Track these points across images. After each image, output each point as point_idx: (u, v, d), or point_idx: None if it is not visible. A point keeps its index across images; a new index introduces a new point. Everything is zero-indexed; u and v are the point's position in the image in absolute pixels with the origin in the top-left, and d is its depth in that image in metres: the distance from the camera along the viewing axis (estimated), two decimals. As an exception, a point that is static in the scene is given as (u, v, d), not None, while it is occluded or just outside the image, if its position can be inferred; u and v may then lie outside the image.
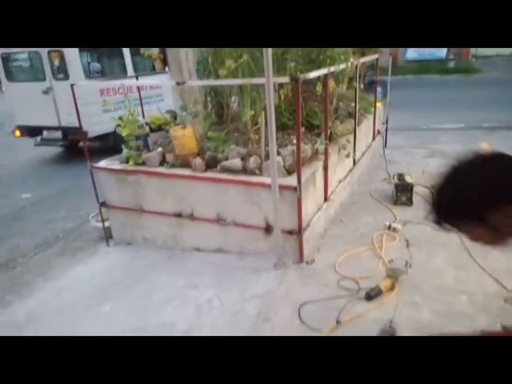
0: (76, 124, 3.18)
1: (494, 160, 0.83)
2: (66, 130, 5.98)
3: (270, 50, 2.13)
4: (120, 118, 3.19)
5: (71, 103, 3.13)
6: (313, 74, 2.52)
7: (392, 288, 2.29)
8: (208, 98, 3.44)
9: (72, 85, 2.98)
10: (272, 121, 2.23)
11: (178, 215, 2.97)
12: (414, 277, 2.42)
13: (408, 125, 6.74)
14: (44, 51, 5.83)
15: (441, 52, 15.84)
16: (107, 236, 3.37)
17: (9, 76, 6.33)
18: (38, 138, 6.41)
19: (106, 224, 3.34)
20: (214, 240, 2.93)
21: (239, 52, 2.71)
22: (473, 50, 15.56)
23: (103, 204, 3.26)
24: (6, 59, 6.25)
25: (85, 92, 5.07)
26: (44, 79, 5.95)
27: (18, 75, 6.54)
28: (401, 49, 16.50)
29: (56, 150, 6.98)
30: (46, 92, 5.96)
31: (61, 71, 5.80)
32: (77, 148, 6.55)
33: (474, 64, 14.90)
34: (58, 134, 6.15)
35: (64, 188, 5.19)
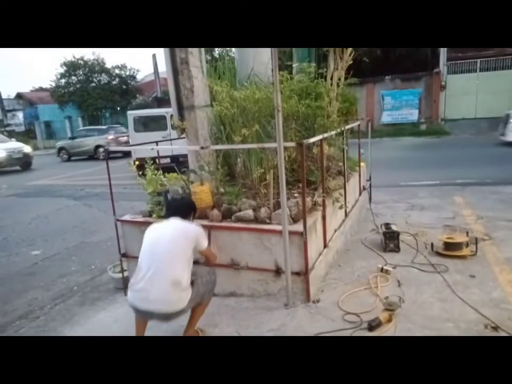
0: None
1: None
2: (174, 157, 8.91)
3: (281, 120, 2.67)
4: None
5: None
6: (313, 140, 3.09)
7: (390, 319, 2.64)
8: (220, 160, 3.96)
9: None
10: (283, 177, 2.72)
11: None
12: (406, 310, 2.79)
13: (389, 182, 7.40)
14: (168, 113, 10.77)
15: (414, 116, 17.42)
16: (125, 285, 3.65)
17: (135, 128, 11.45)
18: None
19: (126, 274, 3.63)
20: (228, 285, 3.26)
21: (251, 123, 3.27)
22: (441, 114, 17.11)
23: (124, 255, 3.59)
24: (136, 119, 11.63)
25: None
26: (166, 130, 10.99)
27: (143, 128, 11.60)
28: (377, 114, 18.04)
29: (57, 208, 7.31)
30: (164, 137, 10.13)
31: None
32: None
33: (444, 126, 16.36)
34: (167, 160, 8.84)
35: (71, 245, 5.45)
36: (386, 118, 17.93)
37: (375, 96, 17.96)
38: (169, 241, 2.45)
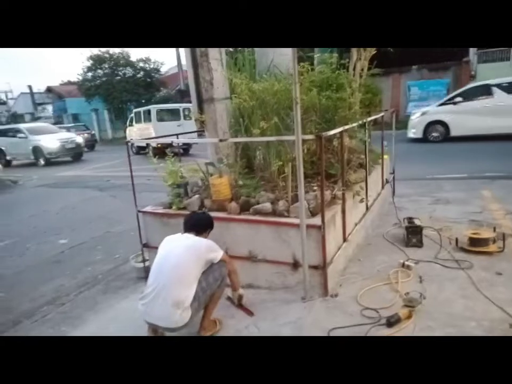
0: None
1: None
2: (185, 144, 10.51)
3: (299, 113, 2.63)
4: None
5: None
6: (332, 132, 3.03)
7: (409, 316, 2.59)
8: (238, 152, 3.96)
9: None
10: (301, 170, 2.70)
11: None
12: (427, 307, 2.73)
13: (414, 175, 7.22)
14: (181, 107, 15.36)
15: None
16: (146, 274, 3.72)
17: (158, 119, 14.88)
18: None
19: (147, 264, 3.71)
20: (246, 277, 3.27)
21: (270, 115, 3.25)
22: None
23: (145, 245, 3.67)
24: (158, 111, 15.18)
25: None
26: (179, 119, 15.01)
27: (162, 118, 15.19)
28: (403, 105, 17.54)
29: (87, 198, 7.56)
30: (179, 126, 14.25)
31: (187, 116, 14.79)
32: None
33: (473, 118, 15.69)
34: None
35: (96, 235, 5.62)
36: (412, 109, 17.36)
37: (401, 87, 17.45)
38: (177, 262, 2.44)
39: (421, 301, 2.75)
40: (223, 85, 3.72)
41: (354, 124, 3.60)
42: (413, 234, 3.76)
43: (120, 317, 3.13)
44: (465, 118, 10.73)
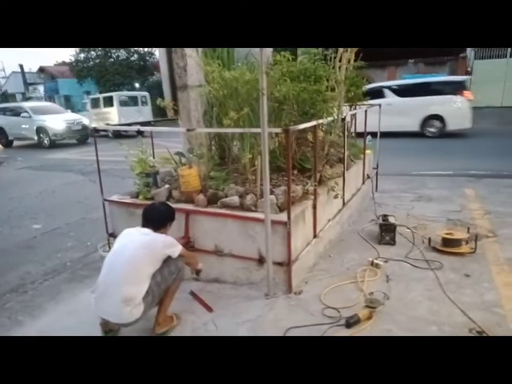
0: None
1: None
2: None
3: (265, 104, 2.53)
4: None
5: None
6: (302, 126, 2.93)
7: (370, 317, 2.54)
8: (213, 142, 3.85)
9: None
10: (266, 164, 2.60)
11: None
12: (390, 308, 2.67)
13: (399, 170, 7.15)
14: (139, 95, 18.51)
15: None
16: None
17: (120, 104, 17.19)
18: None
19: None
20: (212, 271, 3.21)
21: (241, 105, 3.13)
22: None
23: (111, 235, 3.57)
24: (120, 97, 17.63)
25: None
26: (138, 105, 17.80)
27: (124, 103, 17.60)
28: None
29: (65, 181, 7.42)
30: (138, 111, 17.69)
31: (144, 103, 18.20)
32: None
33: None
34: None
35: (71, 221, 5.51)
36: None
37: (396, 78, 17.27)
38: (129, 259, 2.33)
39: (383, 302, 2.70)
40: (197, 72, 3.58)
41: (330, 119, 3.49)
42: (386, 232, 3.70)
43: (80, 309, 3.04)
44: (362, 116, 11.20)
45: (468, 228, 3.73)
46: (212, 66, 3.20)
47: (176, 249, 2.52)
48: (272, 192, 3.09)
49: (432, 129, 11.22)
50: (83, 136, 15.27)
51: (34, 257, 4.33)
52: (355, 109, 5.02)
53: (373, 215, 4.62)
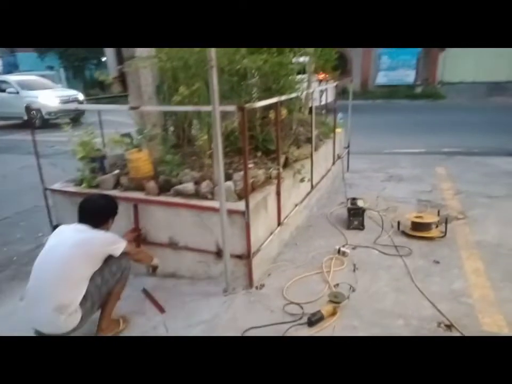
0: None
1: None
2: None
3: (215, 78, 2.20)
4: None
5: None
6: (262, 104, 2.63)
7: (334, 313, 2.35)
8: (169, 122, 3.50)
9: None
10: (219, 145, 2.30)
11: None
12: (356, 302, 2.50)
13: (372, 149, 6.99)
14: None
15: (410, 77, 16.62)
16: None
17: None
18: None
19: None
20: (168, 265, 2.93)
21: (193, 79, 2.79)
22: (439, 76, 16.33)
23: (56, 227, 3.22)
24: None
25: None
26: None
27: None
28: (373, 74, 17.19)
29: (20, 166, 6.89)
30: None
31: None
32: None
33: (440, 90, 15.64)
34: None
35: (23, 209, 5.08)
36: (381, 78, 17.11)
37: (371, 55, 17.01)
38: (61, 260, 2.03)
39: (348, 295, 2.51)
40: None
41: (293, 95, 3.20)
42: (354, 216, 3.51)
43: (15, 314, 2.72)
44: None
45: (438, 210, 3.59)
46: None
47: (118, 246, 2.23)
48: (230, 178, 2.82)
49: None
50: (78, 115, 12.75)
51: (-23, 251, 3.94)
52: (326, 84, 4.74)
53: (343, 197, 4.43)
